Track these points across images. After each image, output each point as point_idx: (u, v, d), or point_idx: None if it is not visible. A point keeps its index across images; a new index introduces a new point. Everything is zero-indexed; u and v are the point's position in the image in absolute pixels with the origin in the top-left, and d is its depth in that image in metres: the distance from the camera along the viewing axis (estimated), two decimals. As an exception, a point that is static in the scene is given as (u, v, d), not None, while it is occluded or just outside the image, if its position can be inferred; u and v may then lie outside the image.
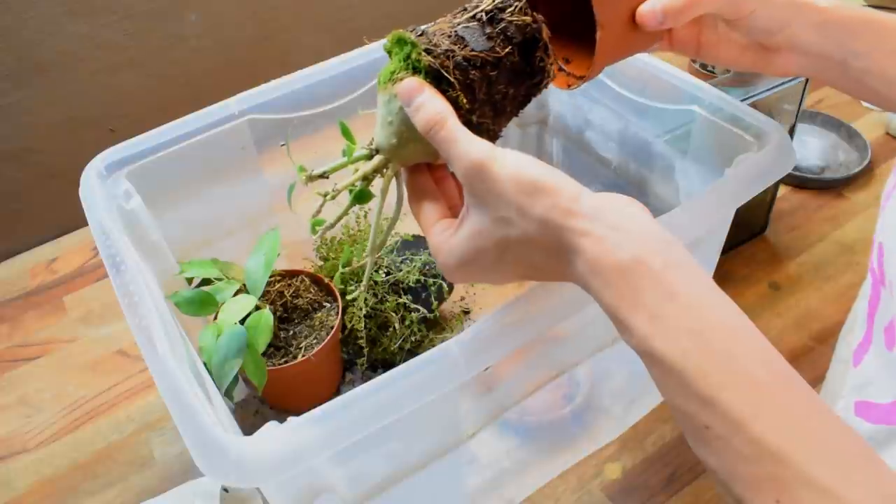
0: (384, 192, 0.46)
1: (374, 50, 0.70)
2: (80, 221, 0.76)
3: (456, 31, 0.42)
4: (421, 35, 0.42)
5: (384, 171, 0.46)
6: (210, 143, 0.66)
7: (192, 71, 1.03)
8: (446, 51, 0.41)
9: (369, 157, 0.46)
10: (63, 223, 1.02)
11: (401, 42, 0.42)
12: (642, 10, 0.47)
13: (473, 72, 0.42)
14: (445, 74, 0.41)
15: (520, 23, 0.42)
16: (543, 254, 0.39)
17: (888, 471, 0.32)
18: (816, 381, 0.76)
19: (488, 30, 0.42)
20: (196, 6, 0.99)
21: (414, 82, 0.41)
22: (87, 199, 0.59)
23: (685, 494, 0.69)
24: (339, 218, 0.48)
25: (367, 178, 0.46)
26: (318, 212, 0.47)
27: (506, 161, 0.38)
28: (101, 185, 0.60)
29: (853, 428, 0.33)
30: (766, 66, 0.52)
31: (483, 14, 0.43)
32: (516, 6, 0.43)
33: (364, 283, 0.52)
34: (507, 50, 0.42)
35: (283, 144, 0.72)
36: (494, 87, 0.43)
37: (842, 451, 0.32)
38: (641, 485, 0.70)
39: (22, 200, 1.00)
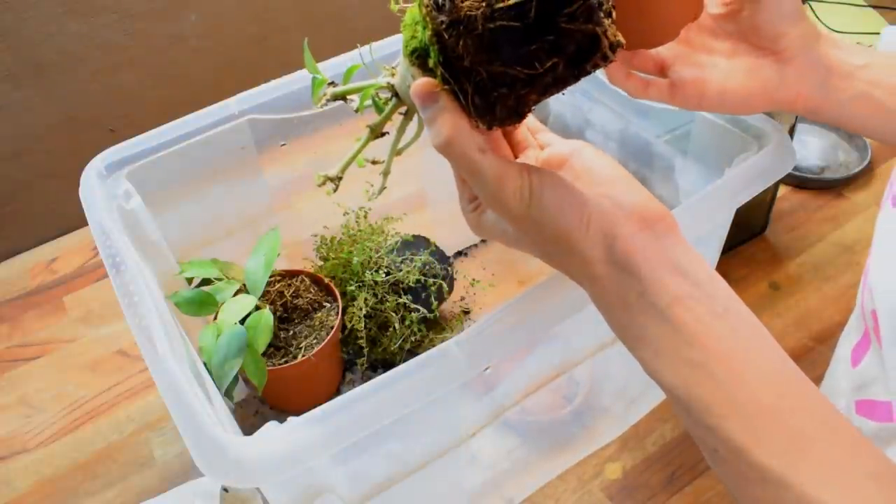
0: (400, 130, 0.43)
1: (374, 50, 0.70)
2: (80, 221, 0.76)
3: (490, 32, 0.32)
4: (448, 27, 0.33)
5: (401, 110, 0.42)
6: (210, 143, 0.66)
7: (192, 71, 1.03)
8: (469, 68, 0.34)
9: (389, 87, 0.42)
10: (63, 223, 1.02)
11: (423, 27, 0.35)
12: None
13: (498, 91, 0.35)
14: (461, 100, 0.35)
15: (579, 34, 0.32)
16: (563, 271, 0.41)
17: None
18: (816, 381, 0.76)
19: (533, 37, 0.32)
20: (196, 6, 0.99)
21: (428, 87, 0.37)
22: (87, 199, 0.59)
23: (685, 494, 0.69)
24: (359, 151, 0.45)
25: (387, 117, 0.43)
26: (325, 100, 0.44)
27: (524, 198, 0.37)
28: (101, 185, 0.60)
29: (866, 440, 0.34)
30: (777, 91, 0.48)
31: (532, 7, 0.31)
32: (579, 6, 0.31)
33: (379, 192, 0.48)
34: (550, 63, 0.33)
35: (283, 144, 0.72)
36: (523, 101, 0.36)
37: (848, 468, 0.32)
38: (641, 485, 0.70)
39: (22, 200, 1.00)
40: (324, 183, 0.44)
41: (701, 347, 0.35)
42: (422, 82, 0.37)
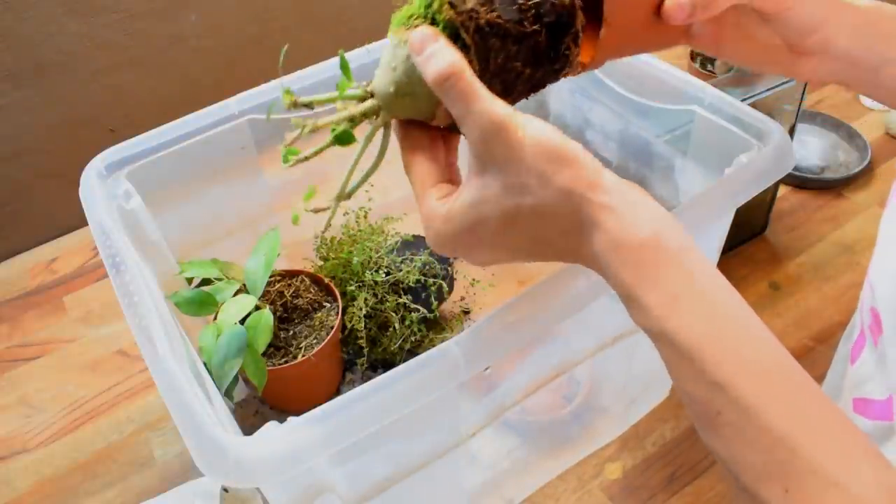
0: (368, 139, 0.43)
1: (375, 50, 0.70)
2: (80, 221, 0.76)
3: None
4: None
5: (373, 118, 0.42)
6: (210, 143, 0.66)
7: (192, 71, 1.03)
8: (470, 10, 0.38)
9: (362, 98, 0.43)
10: (63, 223, 1.02)
11: None
12: (668, 4, 0.42)
13: (493, 40, 0.39)
14: (463, 34, 0.38)
15: (556, 3, 0.39)
16: (557, 227, 0.37)
17: (890, 465, 0.32)
18: (816, 381, 0.76)
19: (521, 1, 0.39)
20: (196, 6, 0.99)
21: (429, 30, 0.38)
22: (87, 199, 0.59)
23: (685, 494, 0.69)
24: (317, 152, 0.43)
25: (352, 120, 0.42)
26: (292, 142, 0.43)
27: (529, 125, 0.36)
28: (101, 185, 0.60)
29: (854, 423, 0.33)
30: (790, 70, 0.48)
31: None
32: None
33: (324, 227, 0.46)
34: (534, 27, 0.39)
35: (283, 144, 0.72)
36: (511, 63, 0.40)
37: (847, 444, 0.32)
38: (641, 485, 0.70)
39: (22, 200, 1.00)
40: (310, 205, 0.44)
41: (711, 300, 0.34)
42: (423, 27, 0.38)
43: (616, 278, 0.36)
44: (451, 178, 0.42)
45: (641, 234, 0.35)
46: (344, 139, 0.42)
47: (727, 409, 0.33)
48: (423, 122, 0.43)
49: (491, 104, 0.36)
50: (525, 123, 0.36)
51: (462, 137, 0.43)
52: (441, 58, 0.37)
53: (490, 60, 0.39)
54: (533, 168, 0.35)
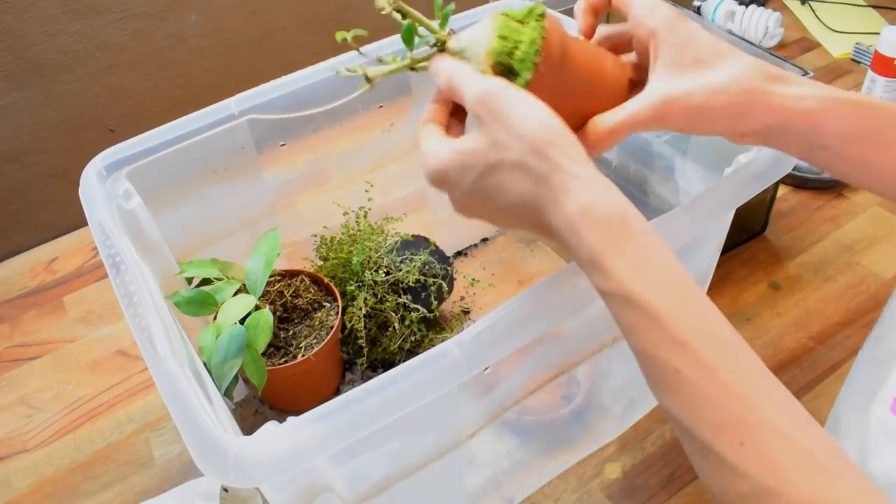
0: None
1: (374, 50, 0.70)
2: (80, 221, 0.77)
3: None
4: None
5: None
6: (210, 143, 0.66)
7: (192, 71, 1.03)
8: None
9: (435, 44, 0.46)
10: (63, 223, 1.02)
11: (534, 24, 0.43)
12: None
13: None
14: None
15: None
16: (532, 184, 0.39)
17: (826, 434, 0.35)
18: (816, 381, 0.76)
19: None
20: (196, 6, 0.99)
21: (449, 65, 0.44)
22: (87, 199, 0.59)
23: (685, 494, 0.69)
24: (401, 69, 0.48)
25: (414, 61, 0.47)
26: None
27: (518, 95, 0.40)
28: (101, 185, 0.60)
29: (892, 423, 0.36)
30: (733, 139, 0.48)
31: None
32: None
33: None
34: None
35: (282, 144, 0.72)
36: None
37: (795, 408, 0.35)
38: (641, 485, 0.70)
39: (22, 200, 1.00)
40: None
41: (672, 271, 0.37)
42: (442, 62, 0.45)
43: (580, 243, 0.38)
44: (448, 127, 0.46)
45: (609, 209, 0.38)
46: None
47: (686, 366, 0.35)
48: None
49: (481, 77, 0.42)
50: (515, 92, 0.40)
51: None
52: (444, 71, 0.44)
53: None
54: (516, 130, 0.39)
